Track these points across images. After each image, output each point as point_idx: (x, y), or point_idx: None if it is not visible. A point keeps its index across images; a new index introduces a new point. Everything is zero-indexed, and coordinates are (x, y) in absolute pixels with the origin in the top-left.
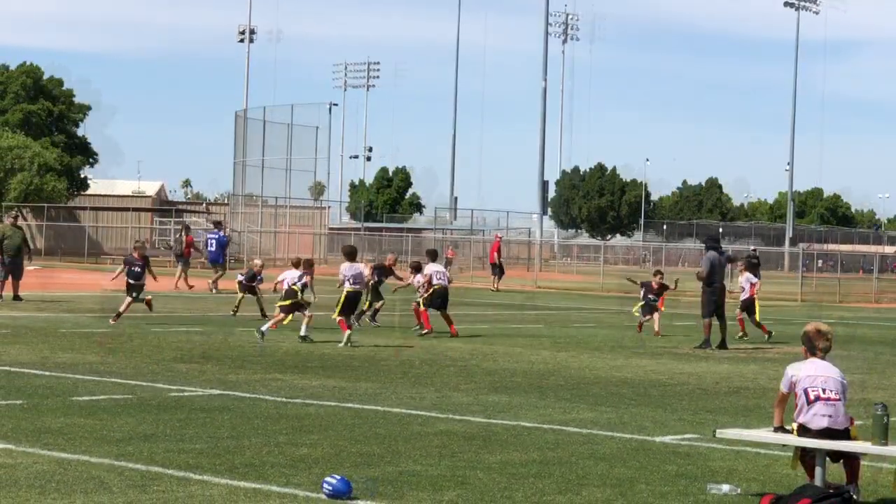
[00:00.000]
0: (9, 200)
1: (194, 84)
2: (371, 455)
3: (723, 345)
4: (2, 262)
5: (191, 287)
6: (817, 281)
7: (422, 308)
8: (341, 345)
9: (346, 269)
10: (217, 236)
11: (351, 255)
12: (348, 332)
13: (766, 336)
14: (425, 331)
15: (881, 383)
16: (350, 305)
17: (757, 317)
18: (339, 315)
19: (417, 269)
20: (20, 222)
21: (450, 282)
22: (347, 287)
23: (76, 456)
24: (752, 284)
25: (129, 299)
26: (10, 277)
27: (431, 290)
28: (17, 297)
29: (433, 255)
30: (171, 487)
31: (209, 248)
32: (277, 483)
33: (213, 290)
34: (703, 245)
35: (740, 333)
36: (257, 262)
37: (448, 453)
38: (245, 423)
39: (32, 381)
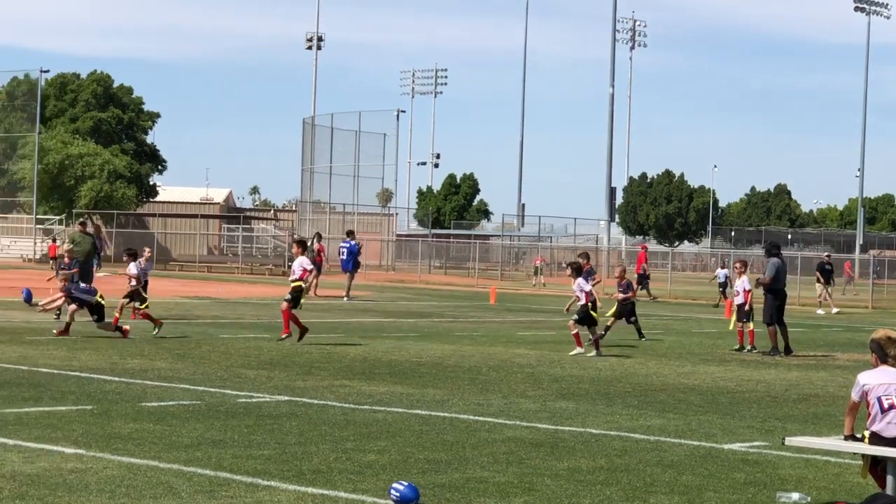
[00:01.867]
0: (79, 207)
1: (262, 91)
2: (438, 461)
3: (787, 350)
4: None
5: (315, 295)
6: (888, 288)
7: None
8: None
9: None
10: (348, 245)
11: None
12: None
13: (739, 346)
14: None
15: None
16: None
17: (734, 324)
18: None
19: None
20: (89, 229)
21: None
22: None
23: (145, 461)
24: (747, 290)
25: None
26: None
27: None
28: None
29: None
30: (239, 493)
31: (341, 257)
32: (345, 489)
33: (346, 298)
34: (765, 251)
35: (744, 346)
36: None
37: (515, 460)
38: (313, 430)
39: (102, 386)
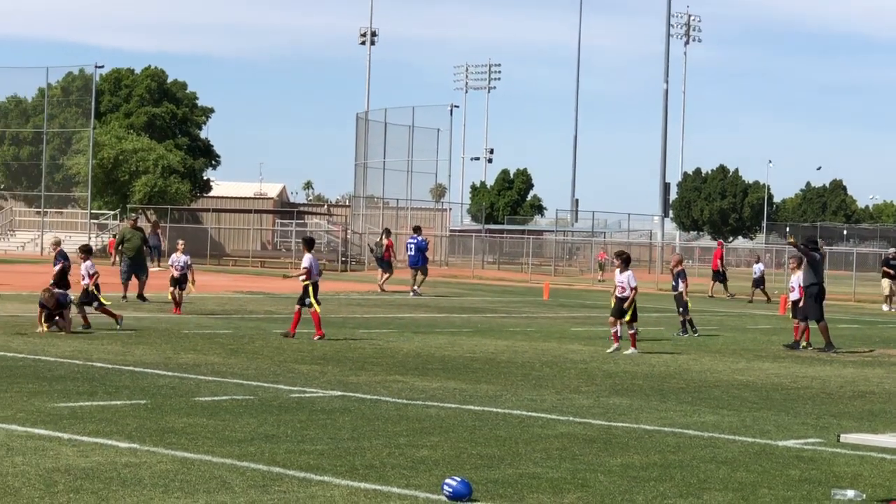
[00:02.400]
0: (133, 202)
1: (316, 86)
2: (491, 457)
3: (829, 347)
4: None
5: (383, 290)
6: None
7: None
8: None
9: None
10: (416, 241)
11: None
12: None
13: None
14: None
15: None
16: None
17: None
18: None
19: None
20: (139, 224)
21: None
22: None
23: (199, 456)
24: (802, 286)
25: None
26: (133, 278)
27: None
28: (141, 297)
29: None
30: (292, 488)
31: (409, 253)
32: (398, 485)
33: (413, 293)
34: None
35: (799, 342)
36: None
37: (568, 455)
38: (366, 425)
39: (156, 381)
